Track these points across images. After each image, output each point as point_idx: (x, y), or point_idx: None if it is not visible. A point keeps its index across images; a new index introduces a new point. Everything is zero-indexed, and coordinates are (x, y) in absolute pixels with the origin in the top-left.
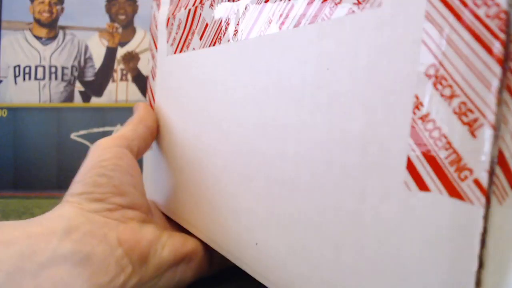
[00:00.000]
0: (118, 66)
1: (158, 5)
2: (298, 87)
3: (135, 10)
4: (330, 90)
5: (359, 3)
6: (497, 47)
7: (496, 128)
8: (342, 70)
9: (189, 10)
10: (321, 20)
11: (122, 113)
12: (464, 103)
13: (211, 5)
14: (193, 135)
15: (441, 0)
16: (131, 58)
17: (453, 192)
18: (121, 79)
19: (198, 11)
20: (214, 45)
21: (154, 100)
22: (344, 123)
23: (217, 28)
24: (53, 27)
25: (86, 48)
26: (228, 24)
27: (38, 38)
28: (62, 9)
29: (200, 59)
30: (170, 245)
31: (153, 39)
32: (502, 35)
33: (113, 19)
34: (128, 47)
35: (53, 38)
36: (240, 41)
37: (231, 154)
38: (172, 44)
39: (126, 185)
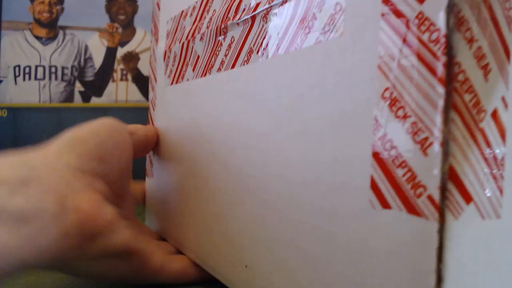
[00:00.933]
0: (118, 66)
1: (156, 40)
2: (277, 112)
3: (135, 10)
4: (304, 114)
5: (324, 32)
6: (440, 69)
7: (444, 145)
8: (313, 95)
9: (183, 43)
10: (294, 50)
11: (122, 113)
12: (415, 123)
13: (201, 38)
14: (189, 159)
15: (391, 27)
16: (131, 58)
17: (411, 209)
18: (121, 79)
19: (191, 44)
20: (205, 75)
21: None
22: (316, 146)
23: (208, 60)
24: (53, 27)
25: (86, 48)
26: (216, 55)
27: (38, 38)
28: (62, 9)
29: (193, 89)
30: (124, 235)
31: (153, 72)
32: (443, 58)
33: (113, 19)
34: (128, 47)
35: (53, 38)
36: (227, 71)
37: (222, 177)
38: (169, 76)
39: (110, 156)
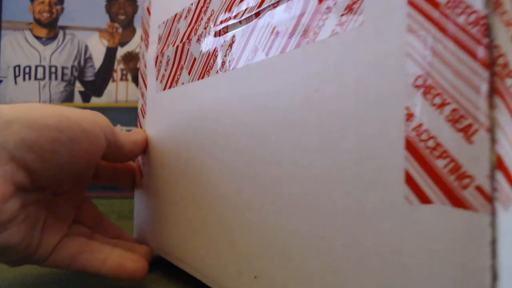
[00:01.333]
0: (118, 66)
1: (147, 45)
2: (286, 110)
3: (135, 10)
4: (320, 110)
5: (341, 23)
6: (481, 52)
7: (491, 132)
8: (330, 89)
9: (177, 46)
10: (306, 44)
11: (122, 113)
12: (456, 110)
13: (198, 40)
14: (185, 167)
15: (421, 13)
16: (131, 58)
17: (456, 201)
18: (121, 79)
19: (186, 47)
20: (203, 78)
21: None
22: (336, 142)
23: (206, 61)
24: (53, 27)
25: (86, 48)
26: (216, 56)
27: (38, 38)
28: (62, 9)
29: (190, 92)
30: (14, 237)
31: (143, 78)
32: (485, 40)
33: (113, 19)
34: (128, 47)
35: (53, 38)
36: (229, 71)
37: (226, 183)
38: (161, 81)
39: (57, 156)
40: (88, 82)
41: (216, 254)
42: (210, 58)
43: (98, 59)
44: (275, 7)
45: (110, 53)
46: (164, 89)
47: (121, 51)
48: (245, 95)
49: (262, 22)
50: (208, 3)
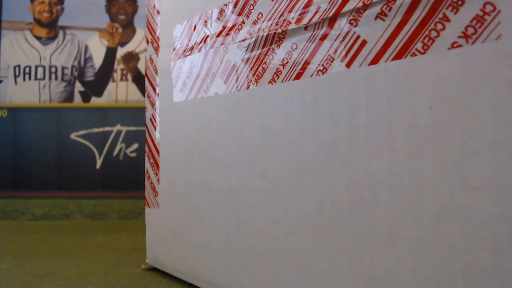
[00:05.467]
0: (118, 66)
1: (156, 50)
2: (383, 132)
3: (135, 10)
4: (434, 131)
5: (466, 35)
6: None
7: None
8: (449, 108)
9: (206, 52)
10: (410, 57)
11: (122, 113)
12: None
13: (240, 46)
14: (226, 186)
15: None
16: (131, 58)
17: None
18: (121, 79)
19: (220, 53)
20: (247, 87)
21: (158, 152)
22: (464, 168)
23: (251, 70)
24: (53, 27)
25: (86, 48)
26: (266, 64)
27: (38, 38)
28: (62, 9)
29: (227, 103)
30: None
31: (152, 85)
32: None
33: (113, 19)
34: (128, 47)
35: (53, 38)
36: (288, 82)
37: (285, 207)
38: (181, 90)
39: None
40: (88, 82)
41: (248, 267)
42: (258, 67)
43: (98, 59)
44: (360, 14)
45: (110, 53)
46: (187, 98)
47: (121, 51)
48: (325, 109)
49: (338, 29)
50: (251, 5)
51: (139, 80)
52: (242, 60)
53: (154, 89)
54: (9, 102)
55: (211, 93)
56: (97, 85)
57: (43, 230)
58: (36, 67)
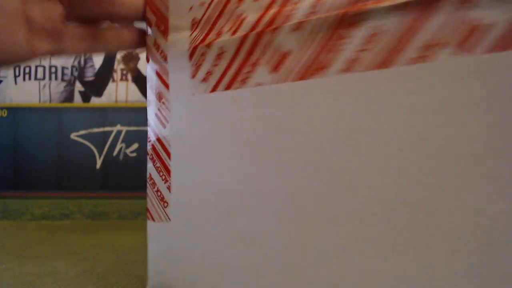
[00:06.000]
0: (118, 66)
1: (164, 33)
2: (493, 130)
3: None
4: None
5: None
6: None
7: None
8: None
9: (244, 36)
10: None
11: (122, 113)
12: None
13: (296, 28)
14: (269, 197)
15: None
16: (131, 58)
17: None
18: (121, 79)
19: (266, 37)
20: (309, 77)
21: (168, 154)
22: None
23: (314, 57)
24: None
25: None
26: (335, 52)
27: None
28: None
29: (277, 97)
30: None
31: (159, 76)
32: None
33: None
34: None
35: None
36: (368, 72)
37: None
38: (204, 80)
39: None
40: (88, 82)
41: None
42: (323, 54)
43: (98, 59)
44: None
45: (110, 53)
46: (214, 89)
47: (121, 51)
48: (425, 105)
49: (445, 12)
50: None
51: (139, 80)
52: (300, 45)
53: (163, 80)
54: (9, 102)
55: (251, 84)
56: (97, 85)
57: (43, 230)
58: (36, 67)
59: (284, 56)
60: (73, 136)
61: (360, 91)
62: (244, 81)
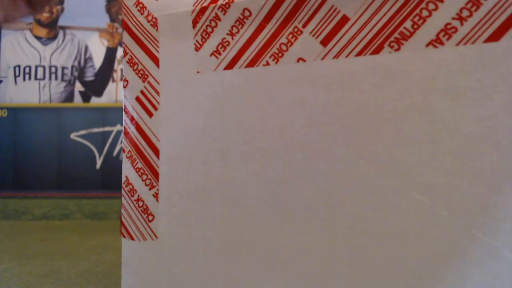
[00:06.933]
0: (118, 66)
1: None
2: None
3: None
4: None
5: None
6: None
7: None
8: None
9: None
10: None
11: (122, 113)
12: None
13: None
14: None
15: None
16: None
17: None
18: (121, 79)
19: (315, 3)
20: (381, 50)
21: (156, 152)
22: None
23: (390, 27)
24: (53, 27)
25: (86, 48)
26: (417, 22)
27: (38, 38)
28: (62, 9)
29: (333, 75)
30: None
31: (143, 48)
32: None
33: (113, 19)
34: None
35: (53, 38)
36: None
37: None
38: (216, 53)
39: None
40: (88, 82)
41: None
42: (403, 23)
43: (98, 59)
44: None
45: (110, 53)
46: (231, 67)
47: (121, 51)
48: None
49: None
50: None
51: None
52: (358, 11)
53: (149, 53)
54: (9, 102)
55: (289, 59)
56: (97, 85)
57: (43, 230)
58: (36, 67)
59: (344, 22)
60: (73, 136)
61: None
62: (277, 56)
